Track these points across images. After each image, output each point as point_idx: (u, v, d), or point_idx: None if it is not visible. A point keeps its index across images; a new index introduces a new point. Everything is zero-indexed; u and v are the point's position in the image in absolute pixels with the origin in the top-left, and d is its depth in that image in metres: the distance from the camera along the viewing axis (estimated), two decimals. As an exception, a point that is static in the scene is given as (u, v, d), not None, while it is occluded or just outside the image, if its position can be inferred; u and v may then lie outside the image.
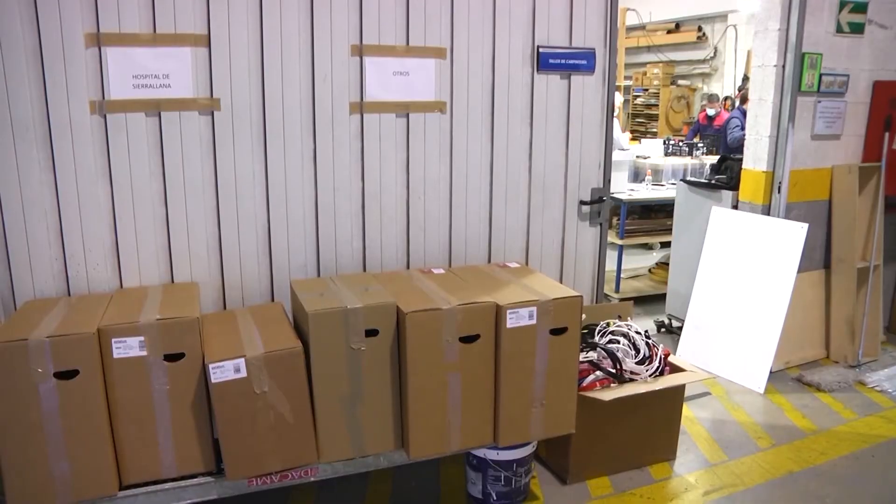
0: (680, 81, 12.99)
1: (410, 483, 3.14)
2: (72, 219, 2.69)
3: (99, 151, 2.67)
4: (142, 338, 2.31)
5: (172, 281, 2.84)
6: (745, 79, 10.46)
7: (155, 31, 2.64)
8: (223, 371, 2.29)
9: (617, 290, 5.70)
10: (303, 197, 2.95)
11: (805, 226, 4.10)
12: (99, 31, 2.58)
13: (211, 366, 2.28)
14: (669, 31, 13.09)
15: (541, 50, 3.23)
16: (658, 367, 3.23)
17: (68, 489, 2.31)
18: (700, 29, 12.44)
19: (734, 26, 11.71)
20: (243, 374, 2.31)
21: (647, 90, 13.39)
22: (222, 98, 2.76)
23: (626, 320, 3.45)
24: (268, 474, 2.47)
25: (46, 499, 2.30)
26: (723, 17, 11.85)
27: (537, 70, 3.25)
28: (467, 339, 2.54)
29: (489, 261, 3.32)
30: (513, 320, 2.55)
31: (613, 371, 3.09)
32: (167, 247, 2.82)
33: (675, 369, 3.33)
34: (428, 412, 2.55)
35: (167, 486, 2.45)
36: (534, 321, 2.59)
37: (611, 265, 4.58)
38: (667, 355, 3.34)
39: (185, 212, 2.80)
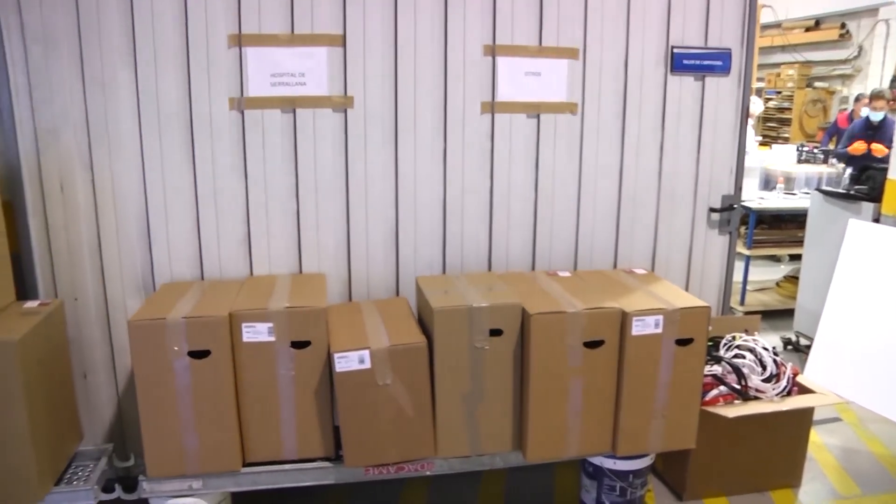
0: (816, 83, 12.41)
1: (524, 486, 3.20)
2: (208, 209, 2.93)
3: (236, 146, 2.90)
4: (270, 324, 2.49)
5: (300, 271, 3.04)
6: (895, 80, 9.88)
7: (293, 31, 2.83)
8: (348, 361, 2.44)
9: (742, 302, 5.57)
10: (431, 195, 3.08)
11: (960, 243, 3.88)
12: (241, 32, 2.81)
13: (336, 355, 2.43)
14: (808, 29, 12.50)
15: (675, 50, 3.22)
16: (785, 387, 3.16)
17: (197, 461, 2.54)
18: (843, 26, 11.81)
19: (886, 21, 11.01)
20: (367, 365, 2.45)
21: (780, 93, 12.86)
22: (356, 96, 2.92)
23: (753, 335, 3.39)
24: (385, 465, 2.60)
25: (178, 468, 2.55)
26: (872, 11, 11.17)
27: (671, 71, 3.24)
28: (591, 345, 2.59)
29: (615, 266, 3.35)
30: (638, 328, 2.58)
31: (738, 387, 3.06)
32: (297, 238, 3.01)
33: (804, 390, 3.24)
34: (547, 415, 2.61)
35: (287, 467, 2.63)
36: (660, 330, 2.60)
37: (736, 276, 4.49)
38: (795, 374, 3.26)
39: (316, 206, 2.99)
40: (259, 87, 2.85)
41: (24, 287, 2.87)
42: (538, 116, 3.13)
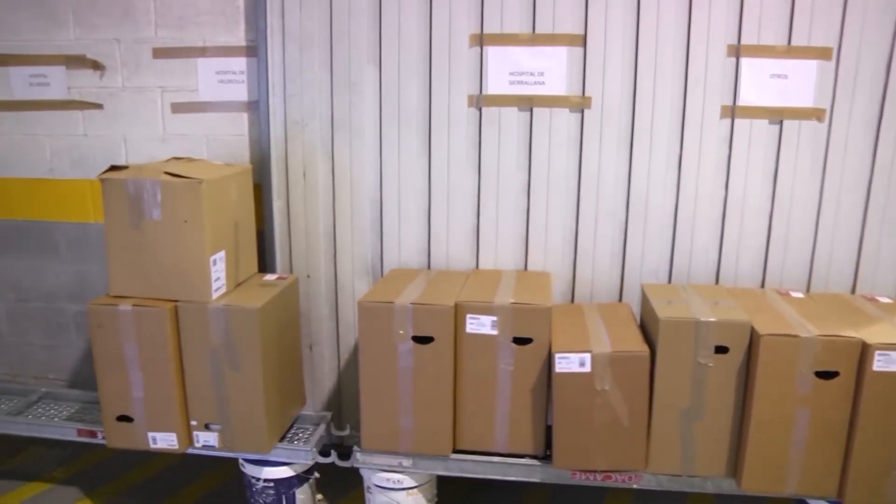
0: None
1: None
2: (440, 201, 3.23)
3: (471, 142, 3.16)
4: (495, 318, 2.69)
5: (525, 268, 3.25)
6: None
7: (534, 31, 3.03)
8: (568, 362, 2.59)
9: None
10: (663, 201, 3.12)
11: None
12: (482, 31, 3.05)
13: (557, 355, 2.58)
14: None
15: (958, 46, 2.97)
16: None
17: (410, 441, 2.83)
18: None
19: None
20: (587, 368, 2.58)
21: None
22: (593, 97, 3.05)
23: None
24: (592, 471, 2.72)
25: (391, 445, 2.85)
26: None
27: (948, 72, 3.02)
28: (823, 375, 2.54)
29: (853, 291, 3.20)
30: (881, 363, 2.48)
31: None
32: (524, 236, 3.22)
33: None
34: (768, 445, 2.59)
35: (495, 459, 2.84)
36: (907, 368, 2.51)
37: None
38: None
39: (546, 205, 3.17)
40: (498, 85, 3.09)
41: (265, 261, 3.34)
42: (781, 123, 3.05)
